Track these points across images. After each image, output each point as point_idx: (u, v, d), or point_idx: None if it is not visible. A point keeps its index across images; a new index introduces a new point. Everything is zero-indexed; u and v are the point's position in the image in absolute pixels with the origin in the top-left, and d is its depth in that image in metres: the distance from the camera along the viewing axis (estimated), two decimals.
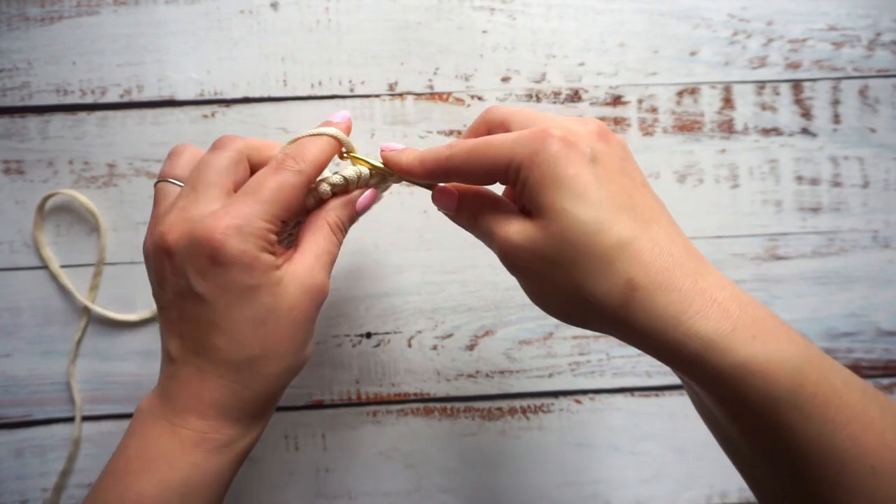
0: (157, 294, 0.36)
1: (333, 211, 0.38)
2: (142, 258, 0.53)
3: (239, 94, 0.54)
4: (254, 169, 0.39)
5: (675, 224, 0.33)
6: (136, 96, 0.53)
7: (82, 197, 0.53)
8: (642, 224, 0.31)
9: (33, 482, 0.54)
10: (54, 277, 0.53)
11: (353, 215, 0.39)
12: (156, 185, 0.40)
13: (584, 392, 0.56)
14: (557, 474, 0.56)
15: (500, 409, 0.56)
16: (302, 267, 0.36)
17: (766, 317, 0.30)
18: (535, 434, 0.56)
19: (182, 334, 0.35)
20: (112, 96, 0.53)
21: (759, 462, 0.32)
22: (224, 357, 0.34)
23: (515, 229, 0.34)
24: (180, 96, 0.53)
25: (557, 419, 0.56)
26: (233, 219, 0.34)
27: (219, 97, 0.53)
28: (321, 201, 0.39)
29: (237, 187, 0.37)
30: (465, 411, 0.56)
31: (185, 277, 0.34)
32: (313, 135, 0.38)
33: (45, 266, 0.53)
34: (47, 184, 0.53)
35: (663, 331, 0.30)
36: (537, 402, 0.56)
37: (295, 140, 0.38)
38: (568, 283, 0.32)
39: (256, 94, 0.54)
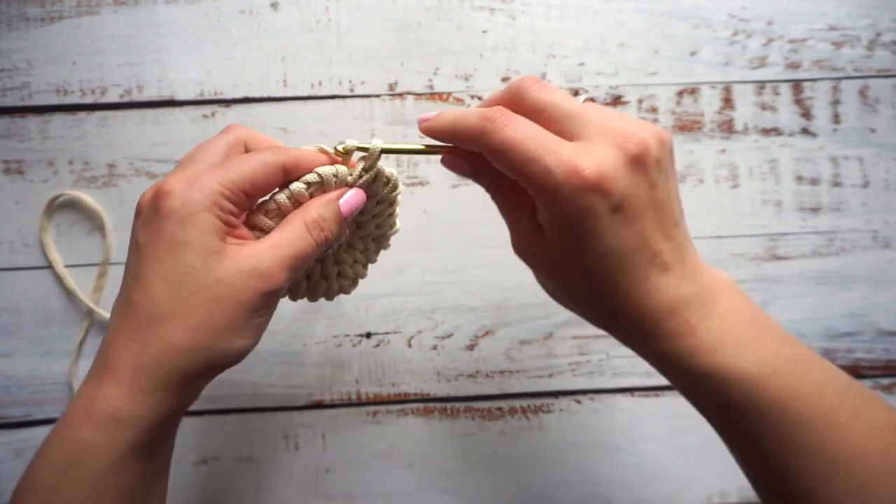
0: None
1: (313, 208, 0.36)
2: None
3: (239, 94, 0.54)
4: None
5: (681, 245, 0.34)
6: (136, 96, 0.53)
7: (89, 198, 0.53)
8: (644, 266, 0.33)
9: None
10: (59, 279, 0.53)
11: (338, 215, 0.36)
12: None
13: (584, 392, 0.56)
14: (557, 474, 0.56)
15: (500, 409, 0.56)
16: (252, 250, 0.33)
17: (742, 331, 0.33)
18: (535, 434, 0.56)
19: (121, 290, 0.34)
20: (112, 96, 0.53)
21: (730, 450, 0.36)
22: (134, 313, 0.32)
23: (528, 239, 0.35)
24: (180, 96, 0.53)
25: (557, 419, 0.56)
26: (187, 175, 0.33)
27: (219, 97, 0.53)
28: (299, 203, 0.36)
29: None
30: (465, 411, 0.56)
31: (135, 231, 0.34)
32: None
33: (49, 266, 0.53)
34: (47, 184, 0.53)
35: (637, 346, 0.35)
36: (537, 402, 0.56)
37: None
38: (567, 292, 0.36)
39: (256, 94, 0.54)
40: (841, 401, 0.32)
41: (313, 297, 0.42)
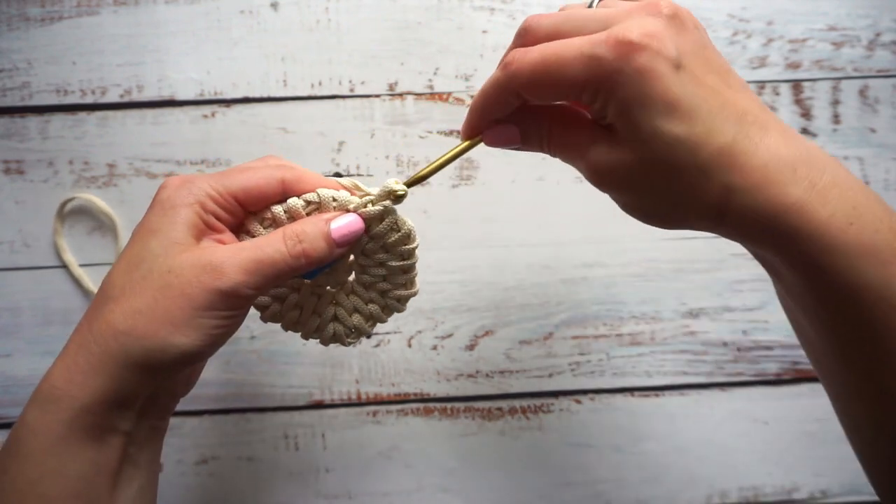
0: None
1: (298, 222, 0.35)
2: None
3: (239, 94, 0.54)
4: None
5: (764, 108, 0.31)
6: (136, 96, 0.53)
7: (100, 202, 0.53)
8: (736, 123, 0.30)
9: None
10: (77, 280, 0.53)
11: (324, 234, 0.34)
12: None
13: (584, 392, 0.56)
14: (557, 474, 0.56)
15: (500, 409, 0.56)
16: (216, 248, 0.33)
17: (869, 203, 0.30)
18: (535, 434, 0.56)
19: None
20: (112, 96, 0.53)
21: (835, 354, 0.32)
22: (97, 295, 0.33)
23: (603, 151, 0.32)
24: (180, 96, 0.53)
25: (557, 419, 0.56)
26: (186, 176, 0.34)
27: (219, 97, 0.53)
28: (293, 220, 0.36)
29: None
30: (465, 411, 0.56)
31: None
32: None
33: (49, 266, 0.53)
34: (47, 184, 0.53)
35: (759, 225, 0.30)
36: (537, 402, 0.56)
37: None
38: (663, 196, 0.31)
39: (256, 94, 0.54)
40: None
41: (304, 331, 0.39)
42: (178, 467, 0.54)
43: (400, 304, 0.39)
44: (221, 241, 0.34)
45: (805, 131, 0.56)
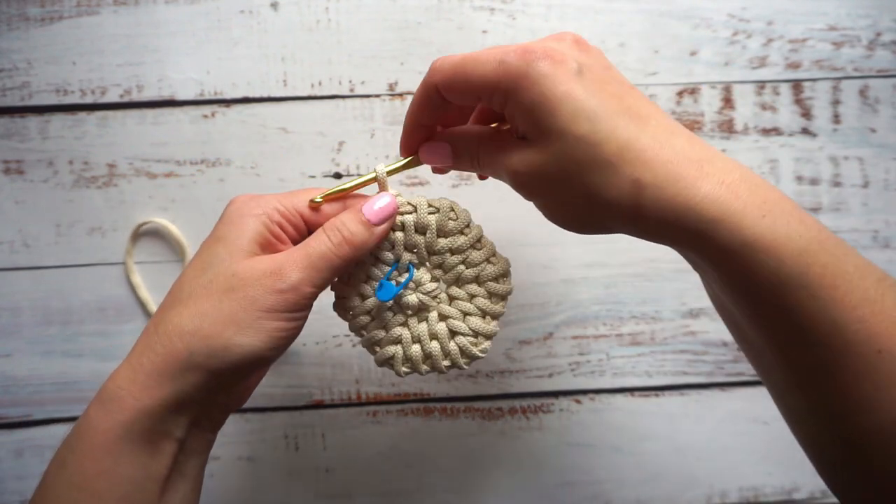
0: None
1: (338, 216, 0.37)
2: (148, 260, 0.53)
3: (239, 94, 0.54)
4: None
5: (671, 119, 0.33)
6: (136, 96, 0.53)
7: (172, 227, 0.53)
8: (639, 123, 0.31)
9: (33, 482, 0.54)
10: (142, 304, 0.53)
11: (360, 217, 0.37)
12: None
13: (584, 392, 0.56)
14: (557, 474, 0.56)
15: (500, 409, 0.56)
16: (275, 254, 0.35)
17: (777, 198, 0.30)
18: (535, 434, 0.56)
19: None
20: (112, 96, 0.53)
21: (765, 349, 0.32)
22: (165, 299, 0.35)
23: (519, 159, 0.33)
24: (180, 96, 0.53)
25: (557, 419, 0.56)
26: (255, 195, 0.37)
27: (219, 97, 0.53)
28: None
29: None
30: (465, 411, 0.56)
31: None
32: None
33: (49, 266, 0.53)
34: (47, 184, 0.53)
35: (674, 220, 0.30)
36: (537, 402, 0.56)
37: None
38: (579, 197, 0.32)
39: (256, 94, 0.54)
40: (883, 286, 0.30)
41: (434, 364, 0.39)
42: None
43: (499, 284, 0.39)
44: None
45: (805, 131, 0.56)
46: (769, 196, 0.30)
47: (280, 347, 0.35)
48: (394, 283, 0.38)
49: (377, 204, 0.37)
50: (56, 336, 0.54)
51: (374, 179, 0.38)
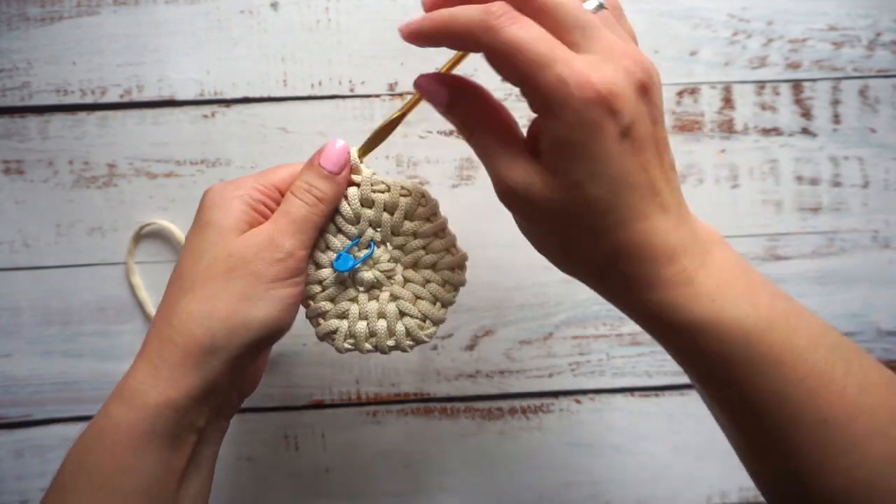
0: None
1: (300, 178, 0.38)
2: (149, 260, 0.53)
3: (239, 94, 0.54)
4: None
5: (674, 191, 0.33)
6: (136, 96, 0.53)
7: (174, 227, 0.53)
8: (645, 199, 0.31)
9: (33, 482, 0.54)
10: (140, 305, 0.53)
11: (320, 171, 0.37)
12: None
13: (584, 392, 0.56)
14: (557, 474, 0.56)
15: (500, 409, 0.56)
16: (258, 227, 0.36)
17: (736, 282, 0.32)
18: (535, 434, 0.56)
19: None
20: (112, 96, 0.53)
21: (717, 413, 0.35)
22: (167, 293, 0.35)
23: (520, 172, 0.32)
24: (180, 96, 0.53)
25: (557, 419, 0.56)
26: (230, 179, 0.38)
27: (219, 97, 0.53)
28: None
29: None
30: (465, 411, 0.56)
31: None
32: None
33: (50, 266, 0.53)
34: (47, 184, 0.53)
35: (630, 297, 0.33)
36: (537, 402, 0.56)
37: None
38: (559, 238, 0.34)
39: (256, 94, 0.54)
40: (834, 356, 0.31)
41: (379, 342, 0.39)
42: None
43: (454, 274, 0.40)
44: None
45: (805, 131, 0.56)
46: (726, 279, 0.32)
47: (293, 313, 0.36)
48: (352, 256, 0.39)
49: (330, 153, 0.37)
50: (56, 336, 0.54)
51: (417, 100, 0.39)
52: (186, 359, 0.33)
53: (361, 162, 0.39)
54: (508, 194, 0.33)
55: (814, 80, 0.55)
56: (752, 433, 0.33)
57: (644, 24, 0.55)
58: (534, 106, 0.31)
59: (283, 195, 0.37)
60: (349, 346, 0.39)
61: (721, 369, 0.32)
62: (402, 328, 0.39)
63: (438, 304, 0.40)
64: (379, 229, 0.39)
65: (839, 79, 0.56)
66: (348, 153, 0.38)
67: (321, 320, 0.39)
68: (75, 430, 0.53)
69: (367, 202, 0.39)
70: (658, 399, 0.56)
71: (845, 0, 0.55)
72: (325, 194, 0.37)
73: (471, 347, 0.55)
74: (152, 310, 0.53)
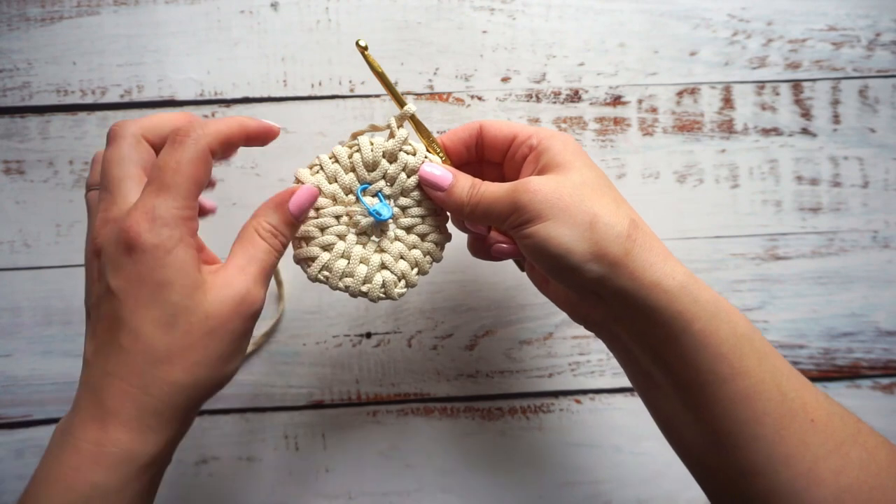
0: (86, 301, 0.35)
1: (261, 216, 0.37)
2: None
3: (239, 94, 0.54)
4: (157, 147, 0.37)
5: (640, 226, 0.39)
6: (136, 96, 0.53)
7: None
8: (610, 201, 0.38)
9: None
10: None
11: (288, 218, 0.37)
12: (86, 196, 0.38)
13: (584, 392, 0.56)
14: (557, 474, 0.56)
15: (500, 409, 0.56)
16: (226, 276, 0.34)
17: (708, 298, 0.39)
18: (535, 434, 0.56)
19: (95, 334, 0.34)
20: (112, 96, 0.53)
21: (675, 401, 0.39)
22: (128, 358, 0.32)
23: (539, 180, 0.38)
24: (180, 96, 0.53)
25: (557, 419, 0.56)
26: (144, 211, 0.33)
27: (219, 97, 0.53)
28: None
29: (146, 170, 0.36)
30: (465, 411, 0.56)
31: (104, 276, 0.33)
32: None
33: (49, 266, 0.53)
34: (47, 184, 0.53)
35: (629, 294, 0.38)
36: (537, 402, 0.56)
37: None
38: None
39: (256, 94, 0.54)
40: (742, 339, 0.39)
41: (353, 284, 0.40)
42: (178, 467, 0.54)
43: (437, 248, 0.42)
44: (207, 261, 0.36)
45: (805, 131, 0.56)
46: (705, 297, 0.39)
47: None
48: (389, 205, 0.41)
49: (304, 201, 0.38)
50: (56, 336, 0.54)
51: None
52: (172, 421, 0.34)
53: (401, 126, 0.41)
54: (531, 200, 0.38)
55: (813, 81, 0.55)
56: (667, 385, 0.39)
57: (644, 24, 0.55)
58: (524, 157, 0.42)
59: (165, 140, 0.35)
60: (322, 279, 0.40)
61: (666, 332, 0.37)
62: (380, 279, 0.40)
63: (416, 269, 0.42)
64: (391, 186, 0.41)
65: (839, 79, 0.56)
66: (316, 197, 0.39)
67: (304, 244, 0.40)
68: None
69: (392, 157, 0.40)
70: None
71: (845, 0, 0.55)
72: (288, 240, 0.38)
73: (471, 347, 0.55)
74: None
